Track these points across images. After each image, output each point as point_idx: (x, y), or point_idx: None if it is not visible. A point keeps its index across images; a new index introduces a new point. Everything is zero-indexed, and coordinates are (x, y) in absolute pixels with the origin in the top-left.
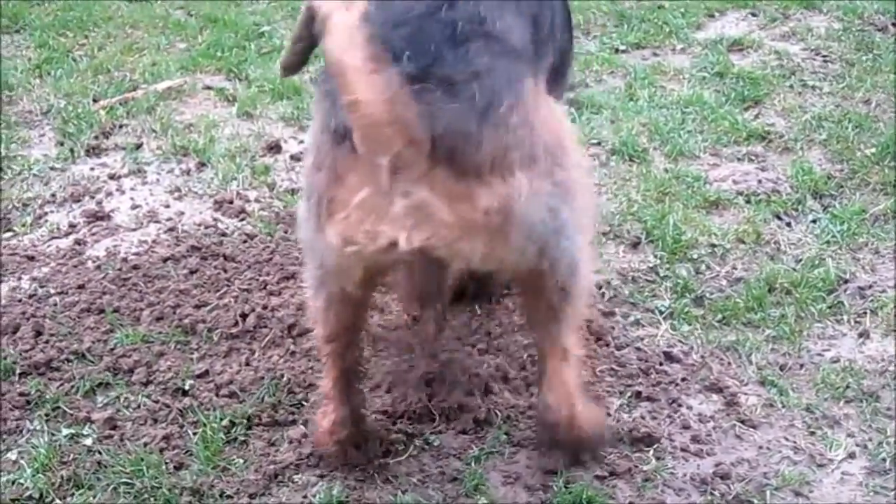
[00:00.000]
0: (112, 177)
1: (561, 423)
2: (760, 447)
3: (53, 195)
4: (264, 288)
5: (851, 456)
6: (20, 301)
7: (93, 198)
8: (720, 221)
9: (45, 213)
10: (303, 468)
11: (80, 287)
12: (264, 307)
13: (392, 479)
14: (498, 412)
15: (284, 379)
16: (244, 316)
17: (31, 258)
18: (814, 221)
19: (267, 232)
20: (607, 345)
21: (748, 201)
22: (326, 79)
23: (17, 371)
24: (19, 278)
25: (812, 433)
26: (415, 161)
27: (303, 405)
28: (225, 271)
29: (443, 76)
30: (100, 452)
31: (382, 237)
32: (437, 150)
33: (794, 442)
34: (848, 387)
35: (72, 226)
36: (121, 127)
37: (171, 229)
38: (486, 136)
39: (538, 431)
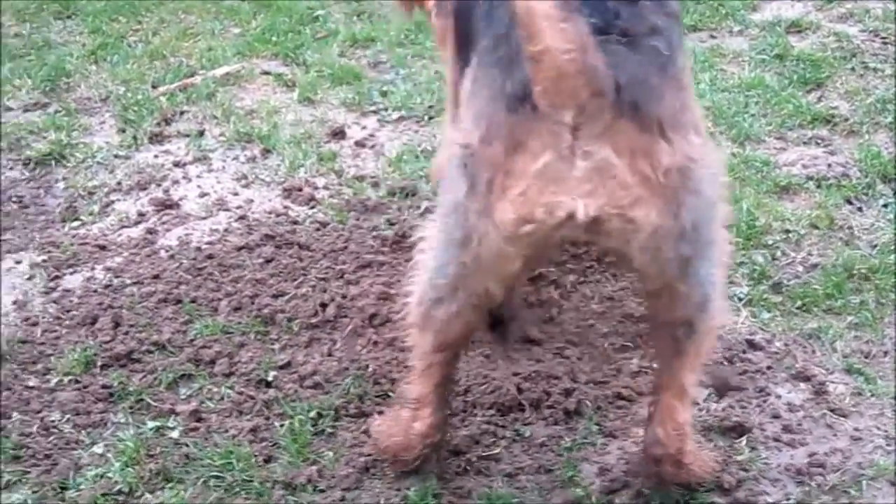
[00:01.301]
0: (177, 164)
1: (667, 460)
2: (852, 437)
3: (119, 183)
4: (341, 277)
5: None
6: (96, 291)
7: (159, 185)
8: (792, 207)
9: (112, 202)
10: None
11: (156, 277)
12: (343, 296)
13: (484, 470)
14: (588, 402)
15: (370, 370)
16: (324, 306)
17: (103, 247)
18: (885, 206)
19: (339, 220)
20: None
21: (818, 186)
22: (496, 46)
23: (99, 363)
24: (92, 268)
25: None
26: (599, 114)
27: (389, 396)
28: (300, 260)
29: (624, 29)
30: (187, 445)
31: (561, 208)
32: (621, 101)
33: (886, 431)
34: None
35: (141, 214)
36: (182, 113)
37: (241, 217)
38: (668, 89)
39: (641, 463)
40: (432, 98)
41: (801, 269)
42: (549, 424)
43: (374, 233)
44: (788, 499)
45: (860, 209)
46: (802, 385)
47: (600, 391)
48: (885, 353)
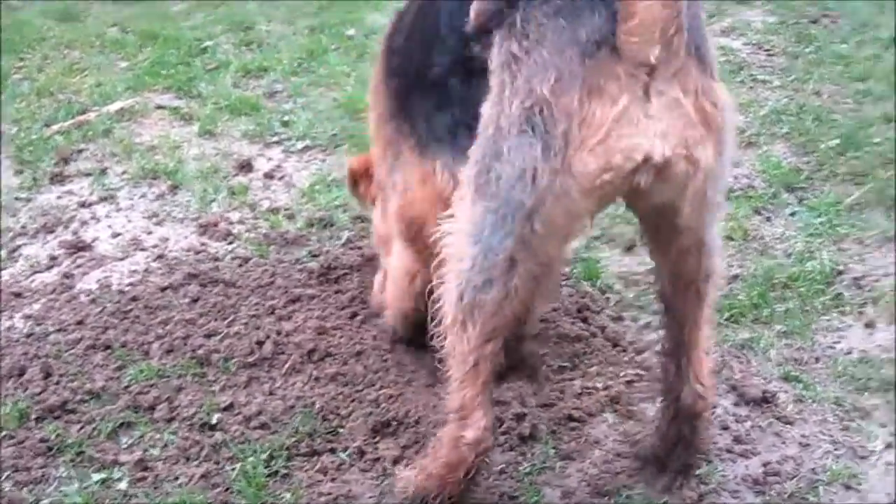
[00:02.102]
0: (83, 204)
1: (706, 414)
2: (801, 443)
3: (24, 227)
4: (272, 313)
5: (889, 446)
6: (18, 341)
7: (67, 227)
8: None
9: (19, 246)
10: (355, 498)
11: (80, 323)
12: (278, 333)
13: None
14: (542, 426)
15: (317, 406)
16: (260, 343)
17: (17, 295)
18: (792, 215)
19: (260, 254)
20: (624, 350)
21: (727, 198)
22: None
23: (33, 416)
24: (11, 317)
25: (846, 427)
26: (677, 52)
27: (338, 432)
28: (227, 297)
29: None
30: (136, 496)
31: (638, 151)
32: (689, 44)
33: (832, 436)
34: (869, 378)
35: (52, 258)
36: (80, 152)
37: (160, 256)
38: (709, 39)
39: (669, 431)
40: (335, 126)
41: (722, 281)
42: (505, 451)
43: (299, 266)
44: None
45: (769, 219)
46: (744, 396)
47: (551, 414)
48: (817, 358)
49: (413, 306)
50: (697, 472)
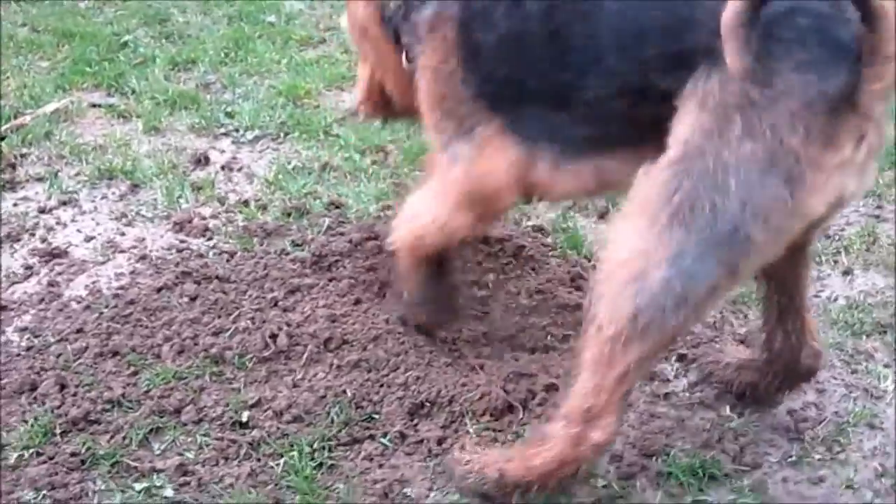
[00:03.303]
0: (42, 210)
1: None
2: (817, 390)
3: None
4: (275, 305)
5: None
6: (20, 356)
7: (33, 234)
8: None
9: None
10: (408, 482)
11: (80, 331)
12: (288, 324)
13: None
14: None
15: (348, 394)
16: (273, 336)
17: (2, 308)
18: None
19: (244, 247)
20: None
21: None
22: (793, 51)
23: (57, 430)
24: (2, 332)
25: (854, 370)
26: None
27: (374, 418)
28: (225, 293)
29: None
30: (185, 501)
31: (846, 191)
32: None
33: (844, 380)
34: (862, 322)
35: (28, 267)
36: (23, 156)
37: (142, 257)
38: None
39: (793, 381)
40: (280, 114)
41: None
42: (544, 422)
43: (288, 256)
44: (790, 456)
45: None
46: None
47: None
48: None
49: (436, 246)
50: (732, 425)
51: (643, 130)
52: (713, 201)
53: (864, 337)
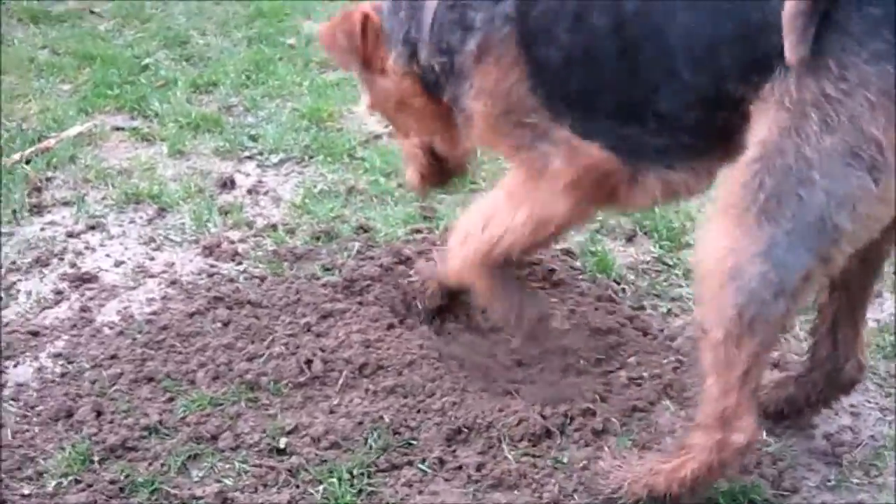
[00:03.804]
0: (70, 234)
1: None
2: (852, 413)
3: (14, 263)
4: (309, 330)
5: None
6: (55, 382)
7: (62, 259)
8: (697, 204)
9: (14, 283)
10: None
11: (114, 357)
12: (322, 350)
13: (538, 501)
14: (614, 419)
15: (385, 420)
16: (308, 362)
17: (35, 334)
18: None
19: (274, 272)
20: (656, 338)
21: None
22: (868, 39)
23: (95, 457)
24: (35, 357)
25: (888, 393)
26: None
27: (412, 444)
28: (258, 318)
29: None
30: None
31: None
32: None
33: (878, 403)
34: (893, 345)
35: (58, 293)
36: (49, 180)
37: (173, 282)
38: None
39: (832, 392)
40: (304, 137)
41: None
42: (582, 447)
43: (319, 281)
44: (829, 481)
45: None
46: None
47: (616, 407)
48: None
49: (509, 255)
50: (770, 449)
51: (713, 139)
52: (798, 195)
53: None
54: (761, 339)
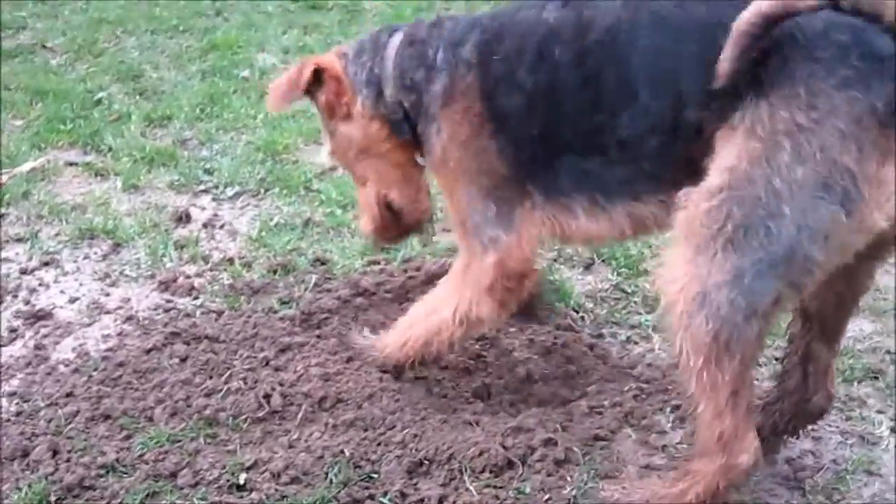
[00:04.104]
0: (24, 271)
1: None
2: (813, 437)
3: None
4: (267, 364)
5: (894, 430)
6: (10, 421)
7: (16, 296)
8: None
9: None
10: None
11: (69, 395)
12: (281, 384)
13: None
14: (575, 448)
15: (346, 454)
16: (267, 397)
17: None
18: None
19: (231, 306)
20: (615, 366)
21: None
22: (834, 69)
23: (52, 497)
24: None
25: (848, 417)
26: None
27: (373, 478)
28: (216, 353)
29: None
30: None
31: None
32: None
33: (839, 426)
34: (853, 368)
35: (13, 330)
36: (2, 217)
37: (129, 318)
38: None
39: (799, 421)
40: (259, 170)
41: None
42: (545, 477)
43: (277, 314)
44: None
45: None
46: None
47: (576, 436)
48: None
49: (443, 354)
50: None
51: (677, 170)
52: (767, 227)
53: (856, 383)
54: (741, 356)
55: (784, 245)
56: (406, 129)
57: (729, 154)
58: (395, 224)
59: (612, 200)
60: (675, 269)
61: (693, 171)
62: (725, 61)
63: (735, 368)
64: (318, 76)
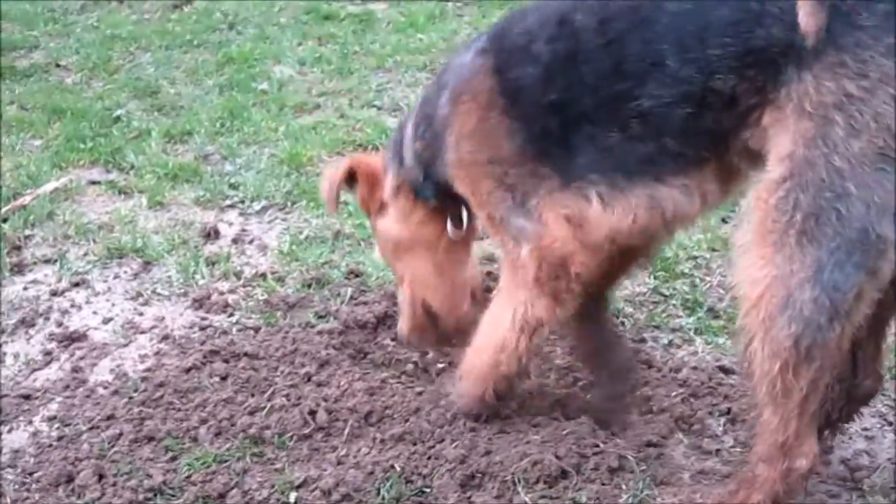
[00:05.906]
0: (55, 293)
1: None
2: (866, 437)
3: None
4: (309, 380)
5: None
6: (52, 447)
7: (48, 319)
8: (683, 234)
9: (0, 346)
10: None
11: (111, 417)
12: (325, 399)
13: None
14: (629, 456)
15: (396, 469)
16: (312, 413)
17: (26, 397)
18: None
19: (267, 322)
20: (660, 370)
21: None
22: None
23: None
24: (29, 422)
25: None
26: None
27: (425, 492)
28: (256, 371)
29: None
30: None
31: None
32: None
33: (891, 424)
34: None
35: (47, 353)
36: (27, 238)
37: (165, 337)
38: None
39: (852, 406)
40: (285, 183)
41: (722, 291)
42: (599, 486)
43: (314, 329)
44: None
45: (736, 226)
46: None
47: (629, 443)
48: None
49: (515, 370)
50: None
51: (703, 147)
52: (837, 210)
53: None
54: (819, 364)
55: (856, 226)
56: (429, 189)
57: (784, 140)
58: (433, 327)
59: (631, 181)
60: (755, 272)
61: (721, 151)
62: (807, 20)
63: (812, 375)
64: (351, 176)
